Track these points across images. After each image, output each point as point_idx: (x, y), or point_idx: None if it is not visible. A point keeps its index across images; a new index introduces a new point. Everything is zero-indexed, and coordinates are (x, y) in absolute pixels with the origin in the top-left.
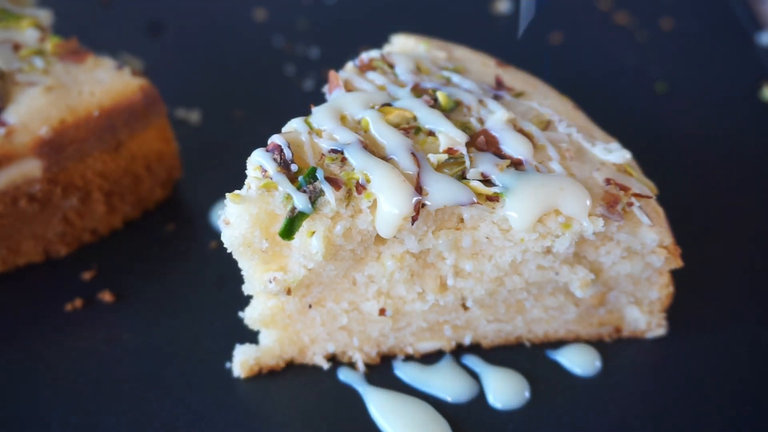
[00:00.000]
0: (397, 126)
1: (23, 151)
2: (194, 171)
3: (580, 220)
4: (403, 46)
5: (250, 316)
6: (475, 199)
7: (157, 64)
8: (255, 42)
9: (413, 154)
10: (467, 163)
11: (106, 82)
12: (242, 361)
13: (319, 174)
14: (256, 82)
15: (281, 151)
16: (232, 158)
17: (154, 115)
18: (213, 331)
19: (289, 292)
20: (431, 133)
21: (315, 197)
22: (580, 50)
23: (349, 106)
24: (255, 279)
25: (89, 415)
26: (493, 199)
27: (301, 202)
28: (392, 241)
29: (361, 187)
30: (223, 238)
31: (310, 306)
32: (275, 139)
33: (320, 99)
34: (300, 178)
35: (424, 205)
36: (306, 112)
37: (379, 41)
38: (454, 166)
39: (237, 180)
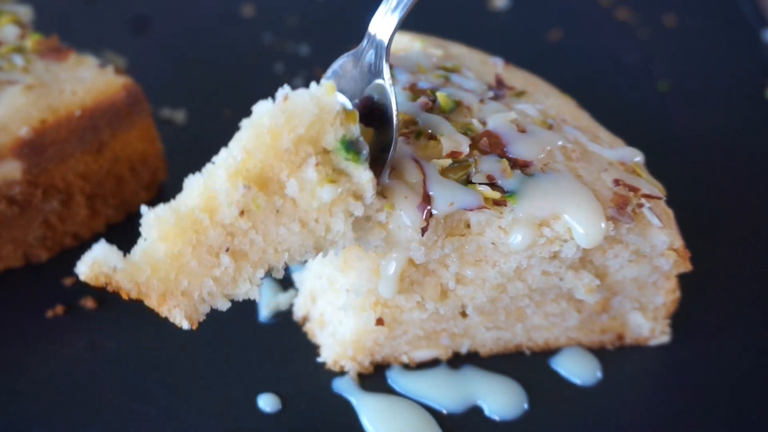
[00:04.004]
0: None
1: (2, 152)
2: (180, 173)
3: (591, 224)
4: (397, 43)
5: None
6: (483, 203)
7: (141, 61)
8: (243, 39)
9: (416, 160)
10: (472, 167)
11: (88, 80)
12: None
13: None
14: (244, 80)
15: None
16: None
17: (138, 115)
18: (199, 339)
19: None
20: (432, 137)
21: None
22: (580, 48)
23: None
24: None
25: (71, 425)
26: (501, 203)
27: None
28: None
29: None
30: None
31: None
32: None
33: None
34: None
35: (432, 214)
36: None
37: None
38: (459, 170)
39: None
